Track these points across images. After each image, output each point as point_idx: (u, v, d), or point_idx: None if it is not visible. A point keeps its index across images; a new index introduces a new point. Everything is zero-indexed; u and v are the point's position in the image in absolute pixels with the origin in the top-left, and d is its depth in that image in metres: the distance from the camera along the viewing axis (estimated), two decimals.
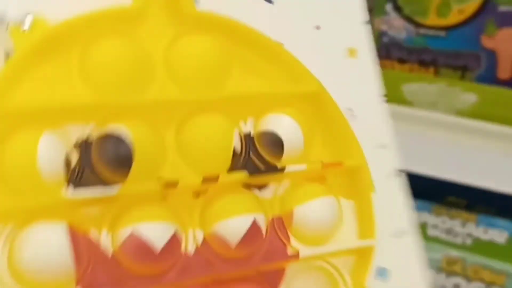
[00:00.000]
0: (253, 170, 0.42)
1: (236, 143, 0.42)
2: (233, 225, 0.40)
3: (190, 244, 0.40)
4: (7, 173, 0.37)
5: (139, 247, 0.37)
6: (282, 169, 0.43)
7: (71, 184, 0.38)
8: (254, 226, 0.40)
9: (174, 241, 0.39)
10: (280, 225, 0.43)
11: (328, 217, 0.44)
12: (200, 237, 0.40)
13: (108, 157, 0.38)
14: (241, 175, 0.41)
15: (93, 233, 0.38)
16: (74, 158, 0.38)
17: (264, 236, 0.41)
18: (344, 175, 0.46)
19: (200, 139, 0.41)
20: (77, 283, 0.37)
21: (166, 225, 0.38)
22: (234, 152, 0.42)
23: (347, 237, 0.45)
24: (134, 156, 0.38)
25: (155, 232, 0.38)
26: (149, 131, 0.40)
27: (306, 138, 0.44)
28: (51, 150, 0.37)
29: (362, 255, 0.44)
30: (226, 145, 0.41)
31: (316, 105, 0.45)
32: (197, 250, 0.40)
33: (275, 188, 0.43)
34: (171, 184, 0.39)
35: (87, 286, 0.37)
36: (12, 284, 0.36)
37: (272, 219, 0.43)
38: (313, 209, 0.43)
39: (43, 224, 0.36)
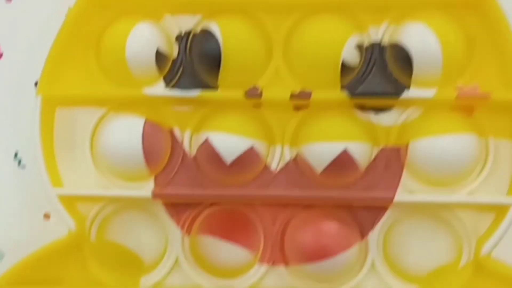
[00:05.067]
0: (369, 89, 0.35)
1: (352, 54, 0.35)
2: (320, 151, 0.35)
3: (276, 160, 0.37)
4: (104, 62, 0.37)
5: (210, 155, 0.35)
6: (400, 92, 0.35)
7: (163, 80, 0.37)
8: (344, 155, 0.34)
9: (250, 156, 0.35)
10: (393, 158, 0.36)
11: (460, 158, 0.35)
12: (288, 155, 0.37)
13: (198, 52, 0.36)
14: (339, 95, 0.35)
15: (176, 132, 0.37)
16: (170, 52, 0.37)
17: (359, 167, 0.35)
18: (502, 110, 0.35)
19: (309, 45, 0.35)
20: (155, 178, 0.37)
21: (242, 138, 0.35)
22: (348, 65, 0.35)
23: (486, 187, 0.36)
24: (223, 55, 0.35)
25: (229, 144, 0.35)
26: (254, 31, 0.36)
27: (452, 58, 0.35)
28: (142, 41, 0.36)
29: (500, 214, 0.35)
30: (336, 55, 0.35)
31: (477, 14, 0.35)
32: (283, 168, 0.36)
33: (397, 113, 0.36)
34: (254, 95, 0.36)
35: (163, 182, 0.37)
36: (95, 172, 0.37)
37: (384, 149, 0.36)
38: (440, 145, 0.35)
39: (125, 116, 0.36)
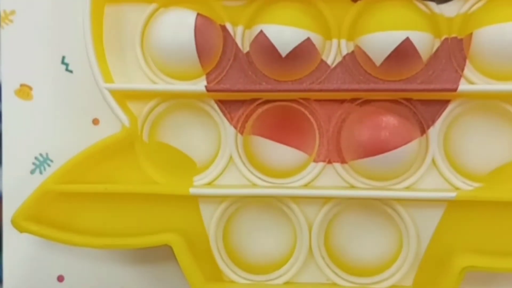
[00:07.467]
0: None
1: None
2: (381, 40, 0.33)
3: (333, 54, 0.35)
4: None
5: (265, 48, 0.34)
6: None
7: None
8: (407, 44, 0.33)
9: (306, 48, 0.34)
10: (456, 49, 0.34)
11: None
12: (345, 48, 0.35)
13: None
14: None
15: (228, 27, 0.36)
16: None
17: (421, 58, 0.34)
18: None
19: None
20: (207, 75, 0.36)
21: (298, 30, 0.34)
22: None
23: None
24: None
25: (284, 35, 0.34)
26: None
27: None
28: None
29: None
30: None
31: None
32: (340, 62, 0.35)
33: (460, 3, 0.34)
34: None
35: (216, 79, 0.36)
36: (146, 71, 0.37)
37: (446, 40, 0.34)
38: (506, 32, 0.33)
39: (176, 9, 0.35)
